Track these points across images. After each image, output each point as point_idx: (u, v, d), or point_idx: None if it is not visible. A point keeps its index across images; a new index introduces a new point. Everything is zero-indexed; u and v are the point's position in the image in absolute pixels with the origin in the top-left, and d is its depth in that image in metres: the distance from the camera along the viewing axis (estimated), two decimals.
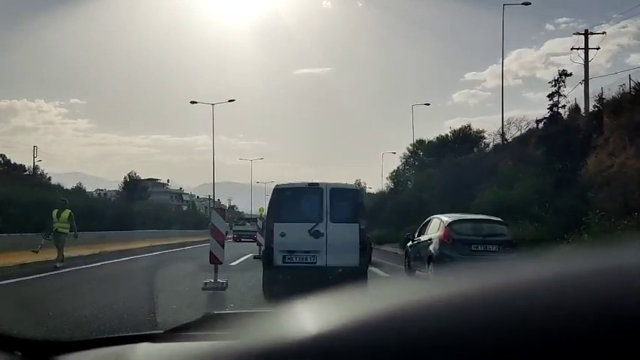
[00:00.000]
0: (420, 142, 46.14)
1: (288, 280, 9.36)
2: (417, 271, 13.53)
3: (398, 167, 48.05)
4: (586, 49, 31.89)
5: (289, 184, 10.59)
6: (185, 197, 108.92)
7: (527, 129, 32.33)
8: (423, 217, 15.38)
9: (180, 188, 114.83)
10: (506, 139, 33.61)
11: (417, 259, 13.50)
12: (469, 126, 42.03)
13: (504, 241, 11.64)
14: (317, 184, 10.03)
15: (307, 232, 9.61)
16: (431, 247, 12.14)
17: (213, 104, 42.85)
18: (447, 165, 29.21)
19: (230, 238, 41.90)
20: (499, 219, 12.65)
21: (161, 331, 1.51)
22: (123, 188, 65.24)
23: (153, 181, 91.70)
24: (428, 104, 49.69)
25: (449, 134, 42.08)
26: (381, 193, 47.85)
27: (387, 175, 49.01)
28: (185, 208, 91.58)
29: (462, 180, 23.89)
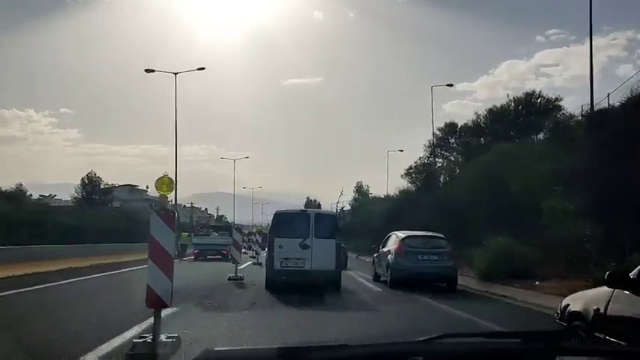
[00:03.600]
0: (451, 125, 37.77)
1: (284, 279, 13.73)
2: (381, 277, 17.18)
3: (426, 158, 38.91)
4: None
5: (286, 210, 15.32)
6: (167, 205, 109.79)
7: None
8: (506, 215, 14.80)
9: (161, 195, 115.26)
10: None
11: (380, 266, 17.24)
12: (536, 93, 32.48)
13: (444, 252, 15.45)
14: (305, 210, 14.94)
15: (298, 245, 13.66)
16: (389, 257, 15.92)
17: (175, 73, 37.56)
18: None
19: (191, 256, 30.08)
20: (441, 235, 16.40)
21: None
22: (80, 193, 55.91)
23: (131, 187, 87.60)
24: (451, 85, 40.65)
25: (505, 105, 33.14)
26: (405, 193, 38.80)
27: (403, 172, 41.11)
28: None
29: None
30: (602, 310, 5.07)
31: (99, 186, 56.69)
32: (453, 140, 37.56)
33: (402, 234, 16.57)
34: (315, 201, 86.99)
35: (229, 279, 15.66)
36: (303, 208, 15.65)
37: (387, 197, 45.20)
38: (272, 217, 14.89)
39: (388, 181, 51.09)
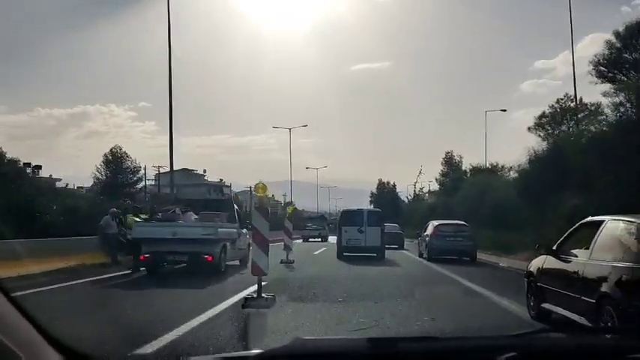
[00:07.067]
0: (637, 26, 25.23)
1: (349, 251, 21.66)
2: (423, 254, 23.78)
3: (569, 100, 29.06)
4: None
5: (349, 208, 24.53)
6: (225, 190, 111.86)
7: None
8: None
9: (221, 180, 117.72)
10: None
11: (421, 246, 23.88)
12: None
13: (466, 235, 21.91)
14: (361, 209, 24.07)
15: (357, 230, 21.84)
16: (427, 239, 22.49)
17: None
18: None
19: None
20: (464, 222, 22.90)
21: (253, 354, 1.71)
22: (103, 172, 46.88)
23: (188, 172, 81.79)
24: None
25: None
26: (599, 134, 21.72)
27: (535, 119, 31.40)
28: None
29: None
30: (540, 269, 7.77)
31: (122, 163, 46.81)
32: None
33: (436, 222, 23.15)
34: (388, 183, 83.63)
35: None
36: (360, 207, 24.97)
37: (493, 167, 36.90)
38: (340, 212, 25.07)
39: (486, 148, 40.78)
